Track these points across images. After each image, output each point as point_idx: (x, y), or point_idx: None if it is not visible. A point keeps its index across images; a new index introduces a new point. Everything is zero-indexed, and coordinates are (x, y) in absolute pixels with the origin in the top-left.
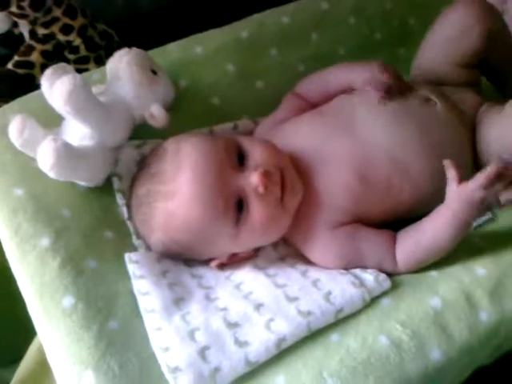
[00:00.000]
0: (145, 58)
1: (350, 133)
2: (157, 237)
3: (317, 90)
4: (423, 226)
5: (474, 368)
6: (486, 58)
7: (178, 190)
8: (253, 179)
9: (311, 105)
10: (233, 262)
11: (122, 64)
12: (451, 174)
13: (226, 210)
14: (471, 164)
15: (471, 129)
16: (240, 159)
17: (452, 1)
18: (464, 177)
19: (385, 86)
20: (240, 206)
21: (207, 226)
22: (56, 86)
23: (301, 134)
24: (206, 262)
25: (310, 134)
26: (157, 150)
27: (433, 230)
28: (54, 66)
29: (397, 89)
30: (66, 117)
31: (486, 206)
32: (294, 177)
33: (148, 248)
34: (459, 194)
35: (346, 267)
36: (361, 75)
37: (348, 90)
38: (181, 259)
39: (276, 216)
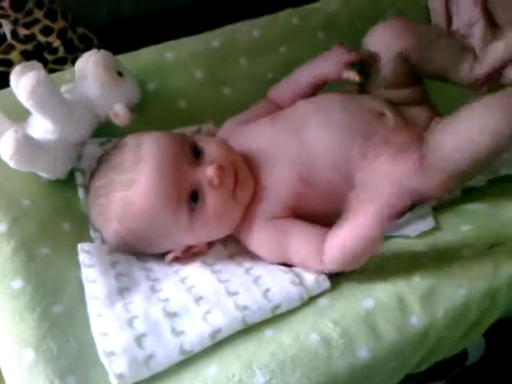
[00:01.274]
0: (111, 60)
1: (299, 138)
2: (113, 227)
3: (288, 93)
4: (348, 220)
5: (404, 374)
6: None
7: (136, 180)
8: (208, 172)
9: (282, 109)
10: (187, 255)
11: (88, 64)
12: None
13: (180, 200)
14: None
15: (420, 142)
16: (196, 155)
17: (416, 18)
18: None
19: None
20: (195, 198)
21: (162, 215)
22: (21, 81)
23: (255, 136)
24: (161, 257)
25: (264, 136)
26: (117, 144)
27: (356, 221)
28: (24, 63)
29: (369, 58)
30: (31, 111)
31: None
32: (245, 172)
33: (104, 241)
34: (385, 175)
35: (278, 259)
36: (330, 66)
37: (309, 95)
38: (134, 253)
39: (229, 207)
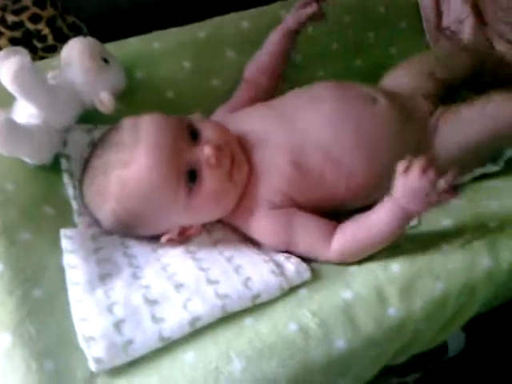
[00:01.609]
0: (96, 47)
1: (291, 124)
2: (110, 206)
3: (261, 63)
4: (367, 216)
5: (382, 364)
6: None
7: (134, 159)
8: (206, 151)
9: (262, 87)
10: (182, 237)
11: (73, 51)
12: (399, 167)
13: (178, 179)
14: None
15: (422, 132)
16: (193, 137)
17: (407, 15)
18: None
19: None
20: (193, 177)
21: (161, 194)
22: (5, 66)
23: (249, 122)
24: (145, 243)
25: (257, 122)
26: (114, 126)
27: (375, 220)
28: (8, 48)
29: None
30: (15, 95)
31: (426, 196)
32: (240, 154)
33: (89, 226)
34: (402, 183)
35: (283, 247)
36: (289, 18)
37: (281, 62)
38: (126, 235)
39: (225, 188)
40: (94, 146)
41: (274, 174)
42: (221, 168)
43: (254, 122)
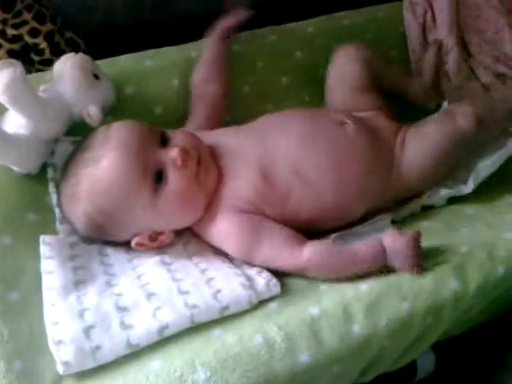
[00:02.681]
0: (88, 63)
1: (263, 142)
2: (82, 208)
3: (203, 75)
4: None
5: (348, 382)
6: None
7: (103, 156)
8: (172, 152)
9: (212, 94)
10: (153, 244)
11: (66, 66)
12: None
13: (144, 177)
14: (386, 187)
15: (390, 153)
16: (163, 142)
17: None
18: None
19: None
20: (159, 178)
21: (127, 191)
22: None
23: (221, 136)
24: (122, 252)
25: (229, 136)
26: (90, 134)
27: (357, 248)
28: (3, 60)
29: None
30: (6, 106)
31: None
32: (209, 158)
33: (69, 233)
34: (395, 239)
35: (244, 254)
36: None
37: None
38: (102, 242)
39: (191, 190)
40: (70, 154)
41: (241, 182)
42: (186, 169)
43: (227, 136)
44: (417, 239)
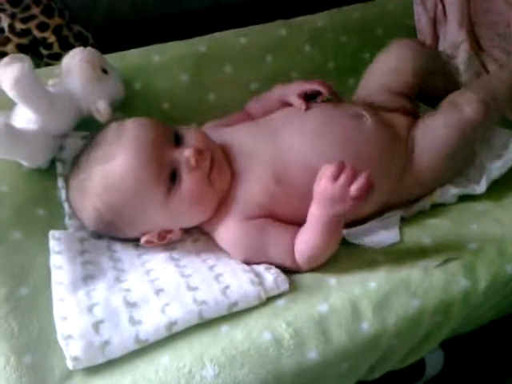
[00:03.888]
0: (97, 57)
1: (276, 141)
2: (91, 203)
3: (260, 106)
4: (306, 228)
5: (356, 378)
6: (422, 90)
7: (117, 153)
8: (186, 153)
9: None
10: (162, 241)
11: (74, 60)
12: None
13: (159, 175)
14: (400, 183)
15: (405, 149)
16: (176, 141)
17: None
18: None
19: (309, 92)
20: (173, 178)
21: (140, 189)
22: (6, 72)
23: (235, 136)
24: (131, 248)
25: (243, 136)
26: (100, 129)
27: (310, 228)
28: (12, 55)
29: (327, 94)
30: (15, 101)
31: (338, 199)
32: (222, 159)
33: (78, 229)
34: (315, 191)
35: (251, 259)
36: (292, 89)
37: (285, 105)
38: (110, 238)
39: (204, 191)
40: (81, 149)
41: (253, 185)
42: (199, 170)
43: (241, 136)
44: (336, 173)
